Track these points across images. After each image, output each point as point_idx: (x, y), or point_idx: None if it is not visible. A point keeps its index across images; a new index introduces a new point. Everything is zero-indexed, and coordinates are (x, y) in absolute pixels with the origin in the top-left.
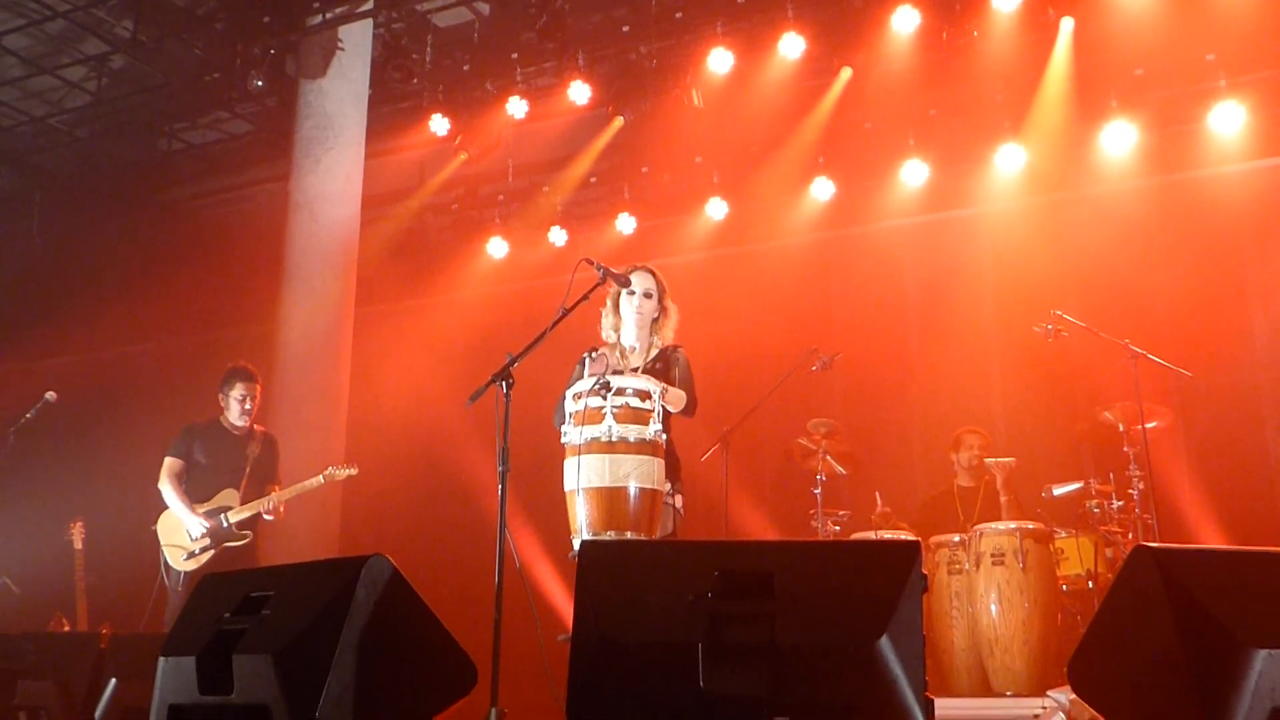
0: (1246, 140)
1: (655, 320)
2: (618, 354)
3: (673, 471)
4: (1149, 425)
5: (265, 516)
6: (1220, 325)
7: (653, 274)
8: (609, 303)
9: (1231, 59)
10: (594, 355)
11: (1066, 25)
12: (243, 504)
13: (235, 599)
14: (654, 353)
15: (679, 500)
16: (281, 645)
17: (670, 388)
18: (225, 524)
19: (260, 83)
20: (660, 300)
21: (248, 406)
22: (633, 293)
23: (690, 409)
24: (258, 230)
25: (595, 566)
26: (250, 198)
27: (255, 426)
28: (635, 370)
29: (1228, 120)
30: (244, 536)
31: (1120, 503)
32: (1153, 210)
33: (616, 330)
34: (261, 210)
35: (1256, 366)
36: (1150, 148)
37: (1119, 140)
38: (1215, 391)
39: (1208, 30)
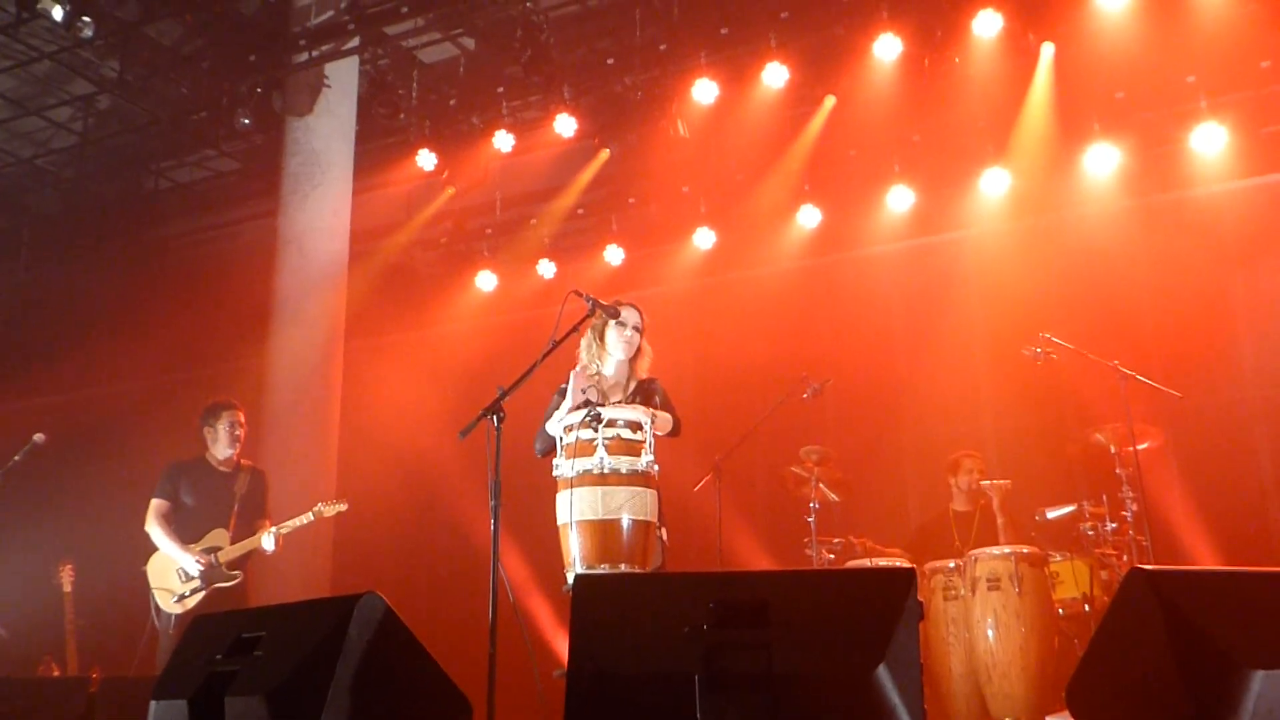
0: (1228, 160)
1: (635, 355)
2: (597, 385)
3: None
4: (1140, 446)
5: (267, 549)
6: (1208, 345)
7: (639, 311)
8: (591, 334)
9: (1211, 80)
10: (580, 381)
11: (1047, 50)
12: (233, 542)
13: (227, 640)
14: (633, 385)
15: (664, 532)
16: (274, 686)
17: (658, 412)
18: (215, 564)
19: (247, 121)
20: (642, 336)
21: (236, 433)
22: (624, 324)
23: (677, 430)
24: (246, 266)
25: (590, 600)
26: (238, 234)
27: (242, 461)
28: (617, 403)
29: (1209, 140)
30: (234, 577)
31: (1114, 525)
32: (1138, 231)
33: (599, 360)
34: (250, 247)
35: (1245, 385)
36: (1133, 169)
37: (1102, 162)
38: (1205, 411)
39: (1187, 52)
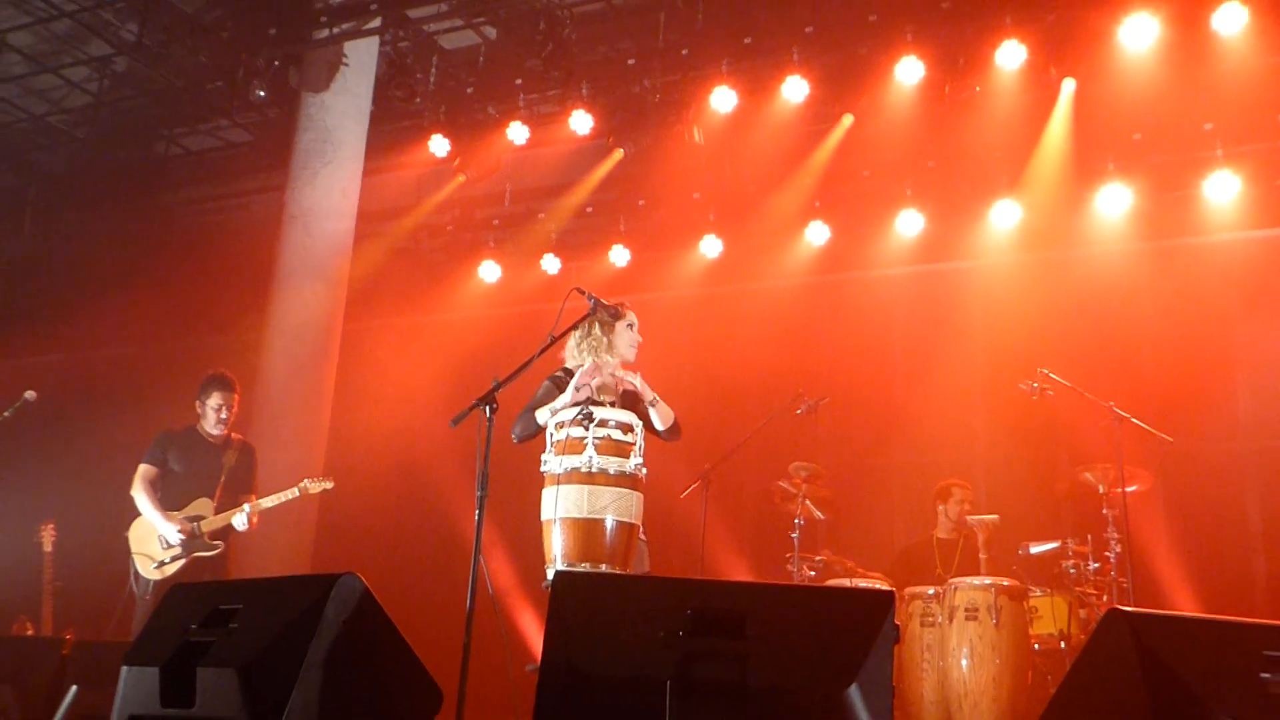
0: (1240, 210)
1: None
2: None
3: None
4: (1129, 489)
5: (238, 527)
6: (1205, 393)
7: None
8: (600, 330)
9: (1229, 129)
10: (586, 376)
11: (1068, 86)
12: (217, 513)
13: (203, 610)
14: (622, 389)
15: (642, 534)
16: (247, 660)
17: (660, 400)
18: (197, 533)
19: (262, 93)
20: None
21: (224, 416)
22: (631, 326)
23: (676, 429)
24: (250, 239)
25: (568, 598)
26: (245, 206)
27: (233, 435)
28: (612, 403)
29: (1222, 189)
30: (216, 547)
31: (1096, 564)
32: (1144, 274)
33: (597, 355)
34: (255, 220)
35: (1239, 436)
36: (1145, 212)
37: (1114, 202)
38: (1197, 458)
39: (1206, 100)
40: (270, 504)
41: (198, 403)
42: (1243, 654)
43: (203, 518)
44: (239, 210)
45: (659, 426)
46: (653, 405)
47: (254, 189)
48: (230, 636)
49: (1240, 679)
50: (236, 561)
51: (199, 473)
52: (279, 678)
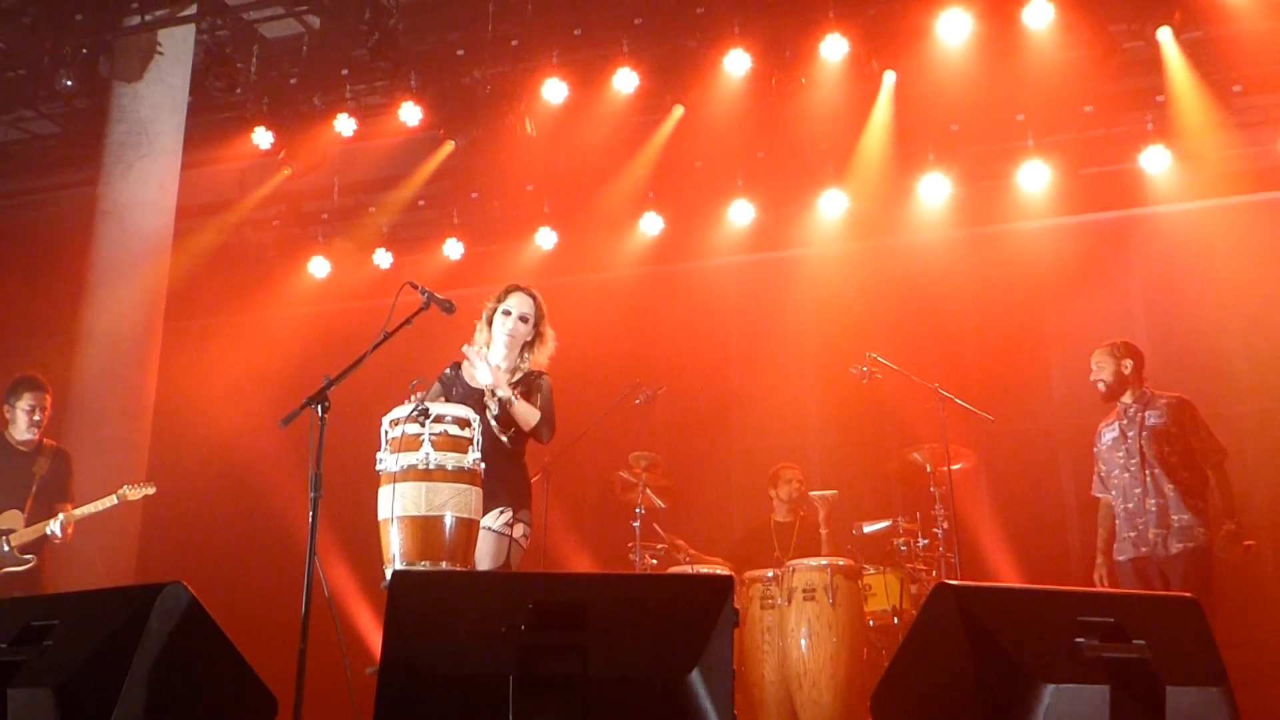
0: (1050, 198)
1: (529, 343)
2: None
3: (520, 499)
4: (954, 467)
5: (53, 537)
6: (1022, 373)
7: (532, 297)
8: (484, 317)
9: (1039, 120)
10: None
11: (889, 78)
12: (28, 525)
13: (14, 628)
14: (518, 375)
15: (519, 530)
16: (63, 678)
17: (519, 400)
18: (6, 548)
19: (70, 82)
20: (537, 325)
21: (36, 418)
22: (508, 313)
23: (544, 430)
24: (61, 236)
25: (406, 597)
26: (54, 202)
27: (45, 441)
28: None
29: (1034, 178)
30: (26, 561)
31: (926, 541)
32: (963, 260)
33: (486, 345)
34: (65, 216)
35: (1054, 413)
36: (963, 200)
37: (934, 191)
38: (1016, 436)
39: (1018, 92)
40: (87, 513)
41: (6, 407)
42: (1059, 620)
43: (12, 531)
44: (47, 206)
45: (522, 429)
46: (508, 405)
47: (63, 184)
48: (44, 654)
49: (1057, 644)
50: (53, 575)
51: (8, 483)
52: (99, 695)
